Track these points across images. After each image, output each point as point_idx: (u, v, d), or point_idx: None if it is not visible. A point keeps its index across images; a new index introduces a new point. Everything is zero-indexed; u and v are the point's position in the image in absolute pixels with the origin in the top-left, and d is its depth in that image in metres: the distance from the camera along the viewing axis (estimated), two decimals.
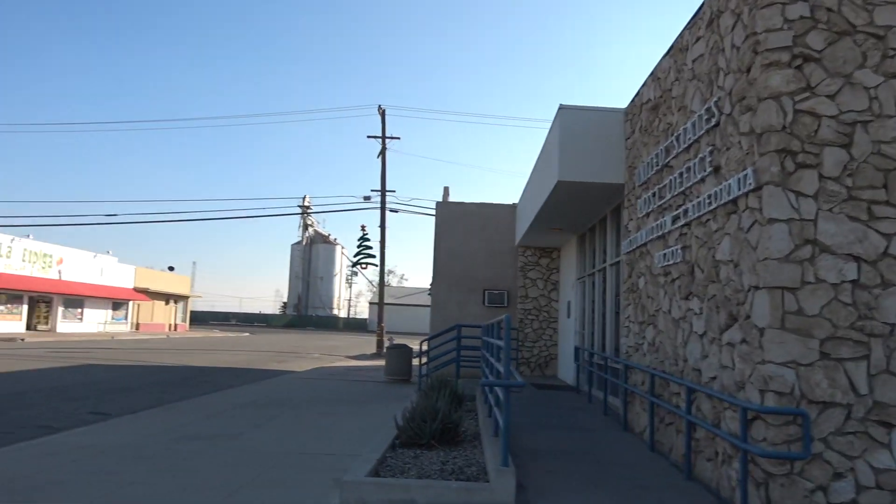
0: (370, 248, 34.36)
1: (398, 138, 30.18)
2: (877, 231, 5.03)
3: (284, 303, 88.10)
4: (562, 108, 9.89)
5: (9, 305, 36.24)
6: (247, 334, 48.36)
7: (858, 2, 5.21)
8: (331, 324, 75.59)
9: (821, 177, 5.08)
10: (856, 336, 4.95)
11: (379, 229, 29.48)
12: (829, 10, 5.19)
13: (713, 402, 6.02)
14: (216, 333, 46.57)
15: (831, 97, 5.14)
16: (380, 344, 27.93)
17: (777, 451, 4.84)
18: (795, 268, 5.00)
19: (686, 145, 6.90)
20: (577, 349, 13.62)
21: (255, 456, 6.99)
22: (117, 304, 45.50)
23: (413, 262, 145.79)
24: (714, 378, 6.01)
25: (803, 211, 5.05)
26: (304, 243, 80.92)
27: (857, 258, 5.02)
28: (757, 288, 5.20)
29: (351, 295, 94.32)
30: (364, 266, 36.09)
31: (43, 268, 37.89)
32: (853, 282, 5.00)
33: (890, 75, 5.15)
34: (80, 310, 41.93)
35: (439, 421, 7.19)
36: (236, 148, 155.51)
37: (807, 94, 5.14)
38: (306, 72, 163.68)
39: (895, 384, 4.90)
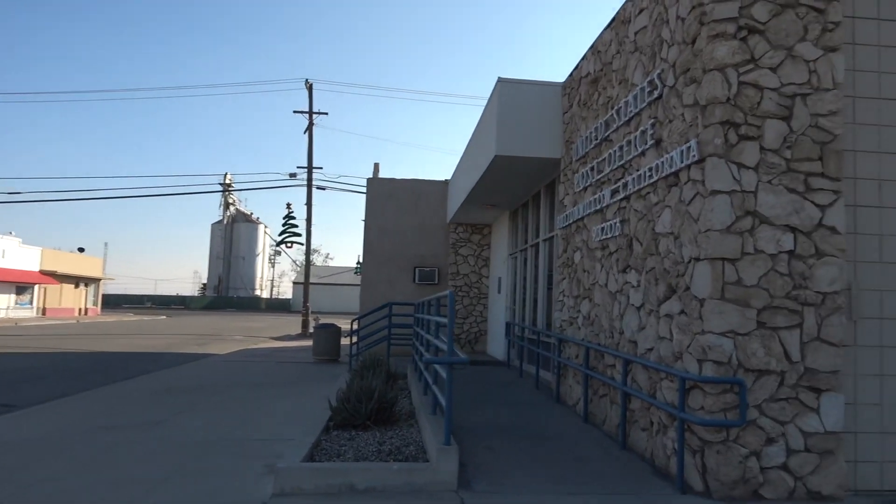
0: (296, 226, 33.44)
1: (326, 114, 29.40)
2: (812, 202, 5.12)
3: (204, 284, 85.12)
4: (500, 80, 9.73)
5: None
6: (164, 317, 46.39)
7: None
8: (253, 305, 73.60)
9: (762, 149, 5.12)
10: (790, 305, 5.05)
11: (305, 207, 28.72)
12: None
13: (649, 373, 6.06)
14: (130, 317, 44.41)
15: (773, 70, 5.17)
16: (305, 324, 27.34)
17: (714, 419, 4.90)
18: (736, 239, 5.04)
19: (627, 118, 6.87)
20: (508, 324, 13.65)
21: (179, 445, 6.57)
22: (21, 288, 42.54)
23: (339, 241, 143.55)
24: (651, 349, 6.04)
25: (745, 183, 5.09)
26: (224, 222, 78.15)
27: (793, 229, 5.10)
28: (698, 259, 5.21)
29: (274, 275, 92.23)
30: (289, 245, 35.14)
31: None
32: (789, 252, 5.08)
33: (829, 49, 5.22)
34: None
35: (375, 400, 6.97)
36: (153, 123, 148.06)
37: (751, 66, 5.15)
38: (231, 45, 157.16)
39: (825, 351, 5.03)
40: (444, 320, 5.78)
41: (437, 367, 6.15)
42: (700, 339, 5.09)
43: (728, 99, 5.11)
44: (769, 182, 5.11)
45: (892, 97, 5.42)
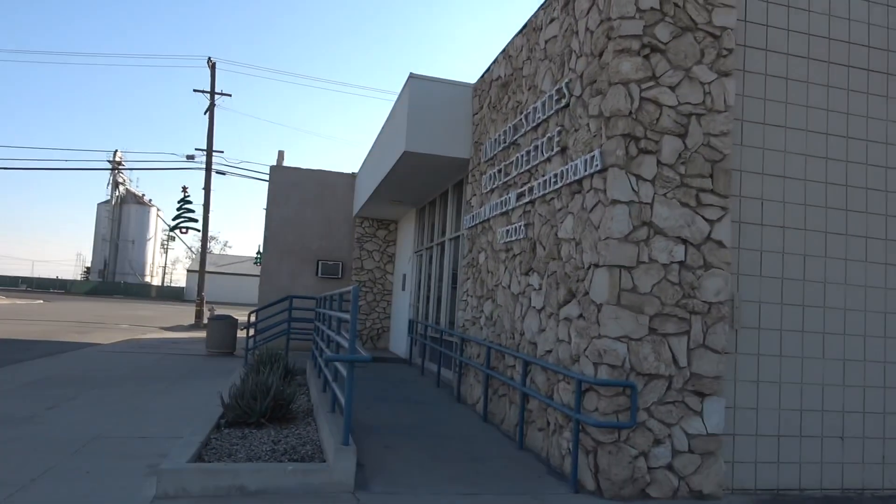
0: (192, 211, 32.04)
1: (229, 95, 28.26)
2: (703, 217, 5.43)
3: (87, 268, 79.77)
4: (412, 76, 9.69)
5: None
6: (40, 302, 43.07)
7: (700, 1, 5.53)
8: (143, 292, 69.75)
9: (659, 163, 5.37)
10: (680, 313, 5.33)
11: (203, 191, 27.50)
12: (675, 4, 5.46)
13: (548, 375, 6.23)
14: (1, 300, 40.97)
15: (672, 88, 5.43)
16: (199, 314, 26.19)
17: (607, 420, 5.10)
18: (633, 248, 5.26)
19: (534, 124, 7.02)
20: (411, 322, 13.66)
21: (52, 442, 6.09)
22: None
23: (239, 229, 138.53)
24: (550, 351, 6.21)
25: (642, 194, 5.31)
26: (113, 203, 73.55)
27: (684, 241, 5.38)
28: (597, 266, 5.40)
29: (167, 262, 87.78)
30: (184, 230, 33.66)
31: None
32: (680, 263, 5.36)
33: (722, 73, 5.54)
34: None
35: (271, 397, 6.77)
36: (32, 89, 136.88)
37: (652, 84, 5.39)
38: (126, 13, 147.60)
39: (709, 357, 5.35)
40: (347, 316, 5.68)
41: (337, 364, 6.04)
42: (597, 343, 5.28)
43: (630, 112, 5.32)
44: (664, 195, 5.36)
45: (776, 123, 5.83)
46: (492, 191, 8.46)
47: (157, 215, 76.98)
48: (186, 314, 33.19)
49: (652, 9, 5.41)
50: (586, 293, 5.55)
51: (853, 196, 5.99)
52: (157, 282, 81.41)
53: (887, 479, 5.86)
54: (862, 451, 5.83)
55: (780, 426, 5.64)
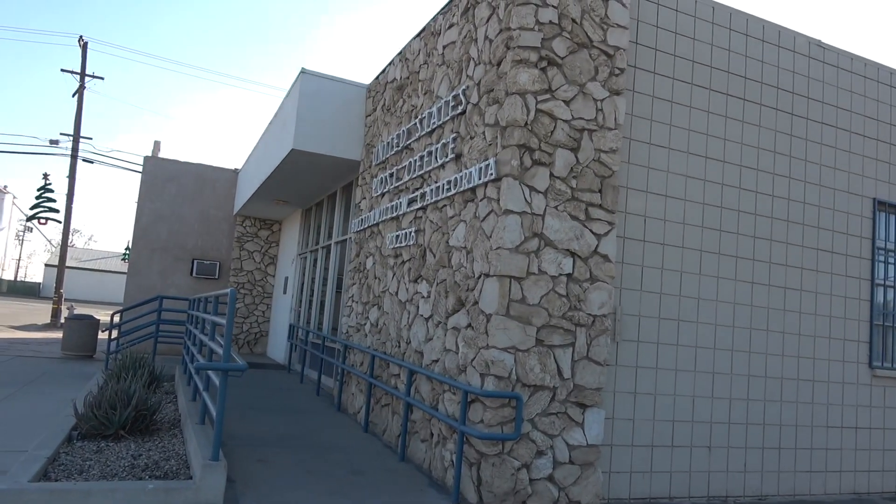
0: (53, 200, 29.38)
1: (101, 78, 26.13)
2: (591, 231, 5.52)
3: None
4: (304, 72, 9.31)
5: None
6: None
7: (596, 20, 5.65)
8: None
9: (551, 175, 5.40)
10: (566, 325, 5.37)
11: (67, 179, 25.26)
12: (573, 20, 5.54)
13: (433, 385, 6.10)
14: None
15: (567, 103, 5.49)
16: (56, 313, 23.97)
17: (492, 432, 5.03)
18: (523, 258, 5.25)
19: (429, 129, 6.90)
20: (291, 327, 13.15)
21: None
22: None
23: (106, 223, 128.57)
24: (436, 361, 6.09)
25: (535, 206, 5.32)
26: None
27: (573, 254, 5.44)
28: (487, 275, 5.34)
29: (21, 254, 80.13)
30: (43, 221, 30.79)
31: None
32: (568, 275, 5.41)
33: (614, 91, 5.68)
34: None
35: (132, 407, 6.17)
36: None
37: (548, 97, 5.42)
38: None
39: (592, 369, 5.43)
40: (222, 320, 5.27)
41: (210, 372, 5.60)
42: (484, 354, 5.21)
43: (526, 123, 5.32)
44: (556, 207, 5.40)
45: (660, 143, 6.06)
46: (382, 195, 8.26)
47: (13, 203, 70.17)
48: (42, 313, 30.31)
49: (551, 22, 5.45)
50: (476, 302, 5.47)
51: (726, 217, 6.33)
52: (9, 276, 74.08)
53: (748, 486, 6.22)
54: (726, 460, 6.15)
55: (654, 436, 5.83)
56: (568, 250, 5.42)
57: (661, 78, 6.10)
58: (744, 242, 6.41)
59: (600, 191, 5.58)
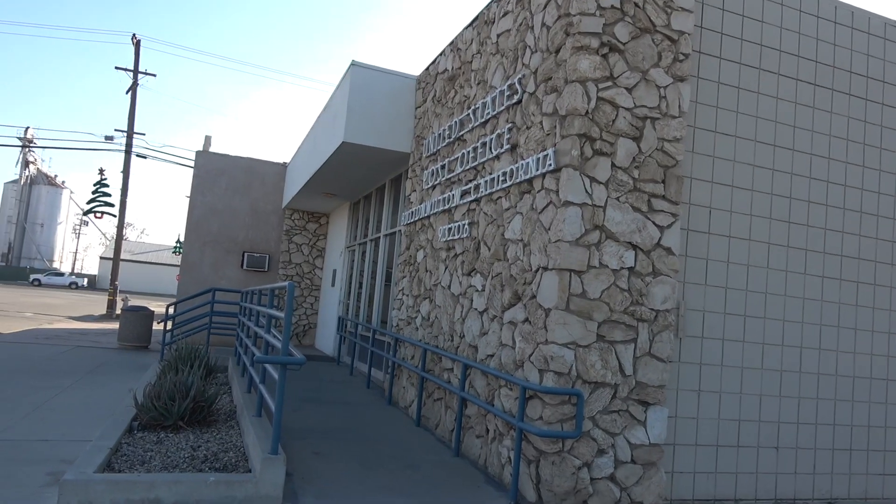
0: (108, 195, 30.26)
1: (154, 75, 26.79)
2: (654, 223, 5.32)
3: None
4: (354, 64, 9.28)
5: None
6: None
7: (660, 3, 5.43)
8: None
9: (613, 166, 5.22)
10: (627, 320, 5.20)
11: (121, 174, 25.97)
12: (635, 4, 5.33)
13: (488, 380, 6.00)
14: None
15: (629, 90, 5.30)
16: (112, 304, 24.72)
17: (552, 430, 4.90)
18: (584, 251, 5.09)
19: (483, 120, 6.78)
20: (340, 319, 13.21)
21: None
22: None
23: (158, 217, 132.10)
24: (492, 356, 5.98)
25: (595, 197, 5.15)
26: (22, 183, 68.86)
27: (635, 246, 5.26)
28: (546, 269, 5.20)
29: (78, 247, 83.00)
30: (98, 215, 31.74)
31: None
32: (630, 269, 5.23)
33: (678, 78, 5.46)
34: None
35: (191, 398, 6.25)
36: None
37: (609, 84, 5.23)
38: None
39: (654, 366, 5.25)
40: (280, 314, 5.27)
41: (267, 366, 5.61)
42: (543, 349, 5.08)
43: (587, 112, 5.15)
44: (617, 199, 5.22)
45: (726, 132, 5.81)
46: (433, 187, 8.17)
47: (70, 198, 72.76)
48: (98, 304, 31.34)
49: (612, 7, 5.26)
50: (533, 297, 5.34)
51: (795, 208, 6.05)
52: (66, 268, 76.91)
53: (817, 489, 5.95)
54: (795, 461, 5.89)
55: (719, 436, 5.61)
56: (630, 243, 5.24)
57: (727, 63, 5.84)
58: (814, 234, 6.11)
59: (664, 181, 5.38)
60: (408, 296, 8.72)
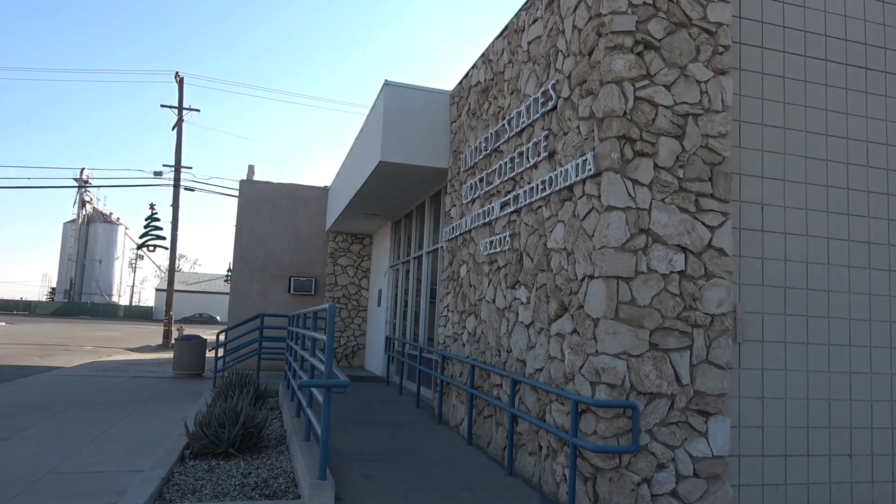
0: (160, 228, 31.22)
1: (198, 110, 27.64)
2: (703, 223, 5.09)
3: (53, 288, 77.57)
4: (387, 84, 9.30)
5: None
6: (2, 324, 41.54)
7: None
8: (110, 312, 67.96)
9: (656, 166, 5.03)
10: (681, 326, 4.96)
11: (171, 208, 26.73)
12: None
13: (539, 395, 5.81)
14: None
15: (668, 87, 5.11)
16: (167, 334, 25.34)
17: (607, 445, 4.69)
18: (630, 257, 4.89)
19: (518, 129, 6.65)
20: (388, 339, 13.17)
21: None
22: None
23: (208, 247, 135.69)
24: (540, 370, 5.80)
25: (639, 200, 4.96)
26: (80, 222, 71.70)
27: (684, 249, 5.03)
28: (592, 277, 5.02)
29: (135, 280, 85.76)
30: (152, 249, 32.77)
31: None
32: (680, 272, 5.01)
33: (719, 71, 5.24)
34: None
35: (240, 425, 6.25)
36: None
37: (646, 82, 5.06)
38: (97, 28, 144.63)
39: (713, 374, 4.99)
40: (322, 336, 5.22)
41: (313, 389, 5.56)
42: (594, 361, 4.88)
43: (625, 113, 4.98)
44: (662, 200, 5.02)
45: (774, 124, 5.55)
46: (473, 201, 8.07)
47: (125, 233, 75.39)
48: (154, 334, 32.20)
49: (644, 3, 5.09)
50: (580, 306, 5.16)
51: (854, 199, 5.72)
52: (125, 301, 79.57)
53: None
54: (871, 468, 5.51)
55: (787, 445, 5.29)
56: (679, 245, 5.02)
57: (770, 52, 5.60)
58: (876, 226, 5.77)
59: (710, 179, 5.15)
60: (453, 312, 8.61)
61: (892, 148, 5.88)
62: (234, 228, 16.56)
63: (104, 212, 75.20)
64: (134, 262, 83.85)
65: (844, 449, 5.45)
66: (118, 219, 76.49)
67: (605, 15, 5.08)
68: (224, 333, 13.12)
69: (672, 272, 4.98)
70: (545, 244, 5.91)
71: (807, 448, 5.34)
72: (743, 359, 5.25)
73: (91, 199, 72.43)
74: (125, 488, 5.17)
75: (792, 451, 5.30)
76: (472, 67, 8.57)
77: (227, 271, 43.02)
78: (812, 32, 5.72)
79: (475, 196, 7.92)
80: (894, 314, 5.74)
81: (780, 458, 5.26)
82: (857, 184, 5.74)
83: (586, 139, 5.28)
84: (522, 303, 6.32)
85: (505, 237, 6.84)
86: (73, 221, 72.70)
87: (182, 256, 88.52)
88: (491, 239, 7.24)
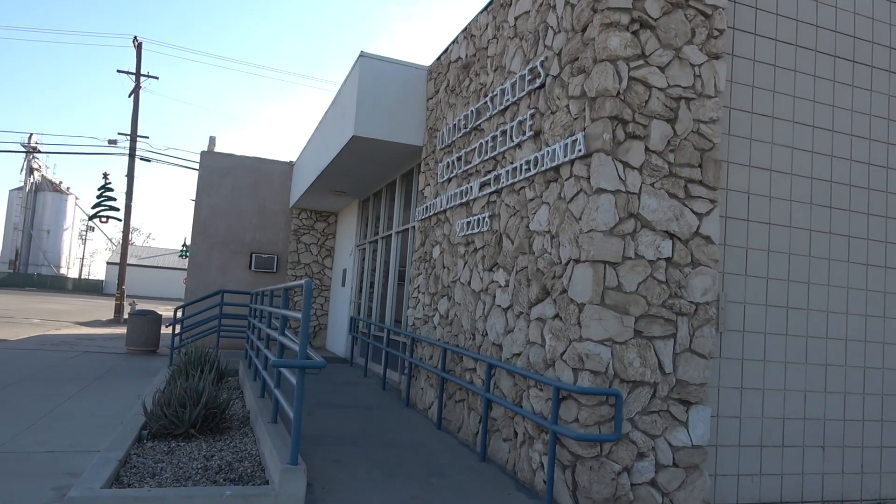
0: (113, 199, 30.02)
1: (156, 78, 26.54)
2: (691, 210, 4.99)
3: None
4: (363, 55, 8.96)
5: None
6: None
7: None
8: (58, 284, 65.58)
9: (647, 150, 4.89)
10: (666, 314, 4.87)
11: (126, 179, 25.73)
12: None
13: (515, 380, 5.68)
14: None
15: (662, 69, 4.97)
16: (119, 309, 24.50)
17: (589, 433, 4.58)
18: (618, 242, 4.76)
19: (502, 107, 6.45)
20: (352, 320, 12.92)
21: None
22: None
23: (164, 220, 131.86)
24: (518, 354, 5.67)
25: (629, 183, 4.83)
26: (27, 190, 68.83)
27: (672, 235, 4.93)
28: (577, 261, 4.88)
29: (85, 253, 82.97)
30: (104, 220, 31.49)
31: None
32: (667, 259, 4.91)
33: (713, 55, 5.13)
34: None
35: (202, 405, 5.96)
36: None
37: (641, 62, 4.91)
38: None
39: (696, 363, 4.92)
40: (297, 314, 4.97)
41: (283, 370, 5.31)
42: (577, 347, 4.76)
43: (618, 93, 4.82)
44: (652, 185, 4.90)
45: (764, 112, 5.47)
46: (449, 180, 7.86)
47: (76, 204, 72.76)
48: (105, 309, 31.17)
49: None
50: (564, 291, 5.02)
51: (837, 192, 5.71)
52: (73, 274, 76.93)
53: (866, 489, 5.62)
54: (842, 460, 5.56)
55: (763, 435, 5.28)
56: (667, 232, 4.91)
57: (762, 39, 5.51)
58: (857, 220, 5.77)
59: (700, 165, 5.05)
60: (424, 293, 8.41)
61: (875, 143, 5.88)
62: (192, 202, 15.98)
63: (53, 180, 72.37)
64: (84, 233, 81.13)
65: (817, 440, 5.48)
66: (68, 188, 73.70)
67: None
68: (182, 309, 12.66)
69: (659, 258, 4.88)
70: (527, 226, 5.75)
71: (782, 439, 5.34)
72: (724, 348, 5.20)
73: (40, 166, 69.56)
74: (78, 469, 4.86)
75: (767, 441, 5.29)
76: (453, 42, 8.31)
77: (183, 247, 41.83)
78: (804, 22, 5.66)
79: (452, 175, 7.71)
80: (871, 308, 5.77)
81: (755, 448, 5.25)
82: (840, 177, 5.73)
83: (576, 119, 5.12)
84: (500, 286, 6.16)
85: (483, 218, 6.66)
86: (19, 189, 69.76)
87: (135, 229, 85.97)
88: (468, 220, 7.05)
